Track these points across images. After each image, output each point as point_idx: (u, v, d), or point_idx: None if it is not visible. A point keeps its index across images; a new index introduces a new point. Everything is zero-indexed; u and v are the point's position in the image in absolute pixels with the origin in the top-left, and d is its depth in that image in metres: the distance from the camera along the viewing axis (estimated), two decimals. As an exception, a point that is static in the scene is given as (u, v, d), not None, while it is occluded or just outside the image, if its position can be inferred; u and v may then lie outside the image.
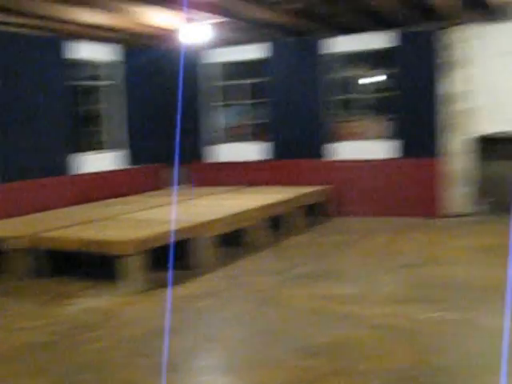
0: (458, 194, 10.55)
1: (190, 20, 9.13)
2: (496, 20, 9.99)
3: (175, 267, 7.35)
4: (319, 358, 4.43)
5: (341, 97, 11.33)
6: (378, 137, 11.16)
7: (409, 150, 10.65)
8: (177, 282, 6.68)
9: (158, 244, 6.68)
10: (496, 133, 10.23)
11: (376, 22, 10.27)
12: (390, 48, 10.71)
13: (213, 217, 7.64)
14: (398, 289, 6.27)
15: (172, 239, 6.71)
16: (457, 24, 10.19)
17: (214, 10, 8.94)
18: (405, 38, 10.55)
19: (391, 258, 7.69)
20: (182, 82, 11.01)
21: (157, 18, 9.08)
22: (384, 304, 5.72)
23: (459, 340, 4.77)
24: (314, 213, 10.56)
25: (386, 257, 7.76)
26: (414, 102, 10.58)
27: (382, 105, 11.11)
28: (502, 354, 4.41)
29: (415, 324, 5.14)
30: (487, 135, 10.31)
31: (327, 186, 10.92)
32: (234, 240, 8.46)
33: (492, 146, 10.57)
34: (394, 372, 4.16)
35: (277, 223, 9.40)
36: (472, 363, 4.29)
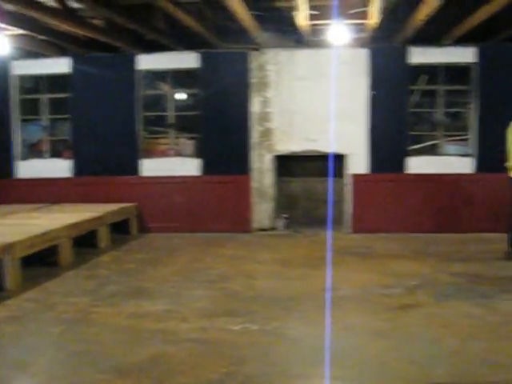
0: (262, 209, 11.11)
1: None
2: (294, 46, 10.72)
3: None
4: (133, 377, 4.46)
5: (149, 114, 11.42)
6: (186, 154, 11.40)
7: (215, 168, 11.03)
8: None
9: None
10: (292, 152, 10.95)
11: (183, 42, 10.54)
12: (195, 68, 11.02)
13: (16, 237, 7.28)
14: (207, 303, 6.45)
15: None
16: (259, 48, 10.77)
17: (13, 21, 8.67)
18: (209, 58, 10.91)
19: (199, 273, 7.88)
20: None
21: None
22: (194, 319, 5.87)
23: (265, 349, 5.02)
24: (121, 230, 10.53)
25: (193, 273, 7.92)
26: (219, 121, 10.96)
27: (189, 123, 11.36)
28: (305, 360, 4.78)
29: (224, 337, 5.35)
30: (283, 154, 11.00)
31: (134, 203, 10.95)
32: (40, 260, 8.20)
33: (287, 165, 11.29)
34: (205, 384, 4.33)
35: (83, 242, 9.25)
36: (277, 370, 4.58)
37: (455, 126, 11.26)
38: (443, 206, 10.79)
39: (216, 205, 11.05)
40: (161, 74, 11.39)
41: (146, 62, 11.12)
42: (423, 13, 8.27)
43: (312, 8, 8.58)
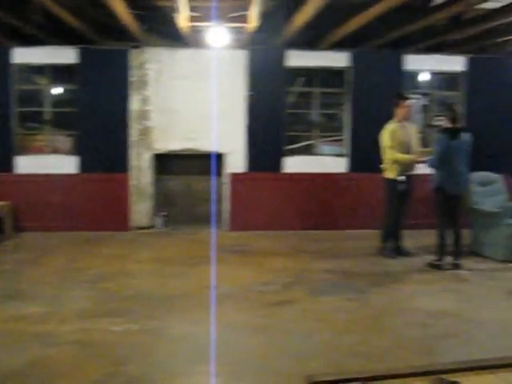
0: (140, 207, 11.08)
1: None
2: (175, 46, 10.76)
3: None
4: (12, 382, 4.39)
5: (25, 109, 11.03)
6: (63, 151, 11.14)
7: (93, 166, 10.84)
8: None
9: None
10: (172, 150, 11.00)
11: (61, 37, 10.30)
12: (73, 63, 10.78)
13: None
14: (87, 304, 6.41)
15: None
16: (140, 46, 10.72)
17: None
18: (88, 54, 10.71)
19: (78, 273, 7.77)
20: None
21: None
22: (75, 320, 5.83)
23: (148, 349, 5.10)
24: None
25: (72, 273, 7.80)
26: (97, 118, 10.79)
27: (67, 119, 11.09)
28: (187, 358, 4.90)
29: (106, 337, 5.37)
30: (163, 152, 11.03)
31: (6, 202, 10.57)
32: None
33: (166, 163, 11.33)
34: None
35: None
36: (160, 369, 4.67)
37: (330, 127, 11.73)
38: (319, 205, 11.21)
39: (94, 203, 10.88)
40: (38, 68, 11.06)
41: (22, 55, 10.74)
42: (301, 19, 8.57)
43: (193, 9, 8.67)
